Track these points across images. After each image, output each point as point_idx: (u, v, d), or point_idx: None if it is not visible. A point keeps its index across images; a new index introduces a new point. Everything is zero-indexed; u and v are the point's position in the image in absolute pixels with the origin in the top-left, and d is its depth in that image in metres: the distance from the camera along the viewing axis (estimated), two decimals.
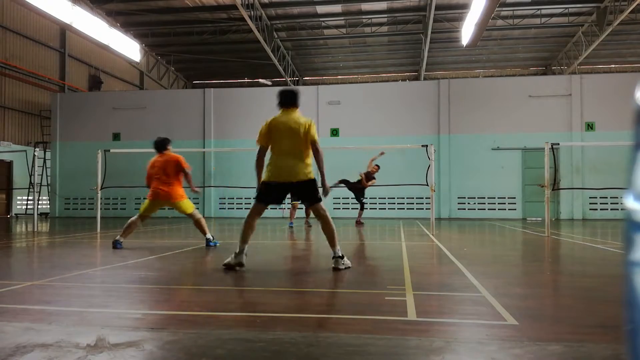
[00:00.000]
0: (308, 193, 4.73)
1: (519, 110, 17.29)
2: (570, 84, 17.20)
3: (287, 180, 4.63)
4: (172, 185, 6.83)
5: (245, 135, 18.04)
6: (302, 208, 12.69)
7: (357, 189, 12.53)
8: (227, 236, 8.99)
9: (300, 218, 13.37)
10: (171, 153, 7.13)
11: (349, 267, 4.68)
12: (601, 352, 2.17)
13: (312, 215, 10.09)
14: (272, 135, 4.69)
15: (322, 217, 4.73)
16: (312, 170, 4.73)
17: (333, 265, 4.62)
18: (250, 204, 20.70)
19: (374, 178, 12.42)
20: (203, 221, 6.99)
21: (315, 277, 4.48)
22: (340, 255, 4.64)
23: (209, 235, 6.91)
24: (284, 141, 4.65)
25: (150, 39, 23.64)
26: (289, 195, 4.87)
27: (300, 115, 4.79)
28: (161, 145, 7.09)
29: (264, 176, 4.72)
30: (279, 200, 4.80)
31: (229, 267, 4.61)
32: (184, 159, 6.95)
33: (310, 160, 4.75)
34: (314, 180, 4.72)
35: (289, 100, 4.81)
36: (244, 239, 4.66)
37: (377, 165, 12.41)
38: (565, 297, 3.60)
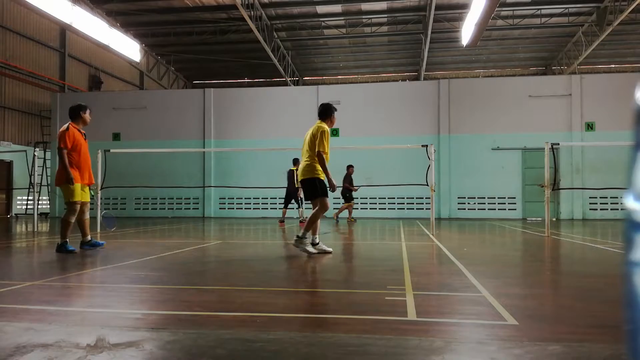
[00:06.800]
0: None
1: (519, 110, 17.28)
2: (570, 84, 17.20)
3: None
4: None
5: (245, 136, 18.02)
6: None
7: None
8: (226, 235, 8.99)
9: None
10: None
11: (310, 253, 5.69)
12: (601, 352, 2.17)
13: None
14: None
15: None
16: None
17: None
18: (250, 204, 20.45)
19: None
20: None
21: (316, 277, 4.49)
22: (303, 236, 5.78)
23: None
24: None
25: (150, 39, 23.64)
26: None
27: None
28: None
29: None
30: None
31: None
32: None
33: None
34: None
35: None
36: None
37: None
38: (565, 297, 3.60)
